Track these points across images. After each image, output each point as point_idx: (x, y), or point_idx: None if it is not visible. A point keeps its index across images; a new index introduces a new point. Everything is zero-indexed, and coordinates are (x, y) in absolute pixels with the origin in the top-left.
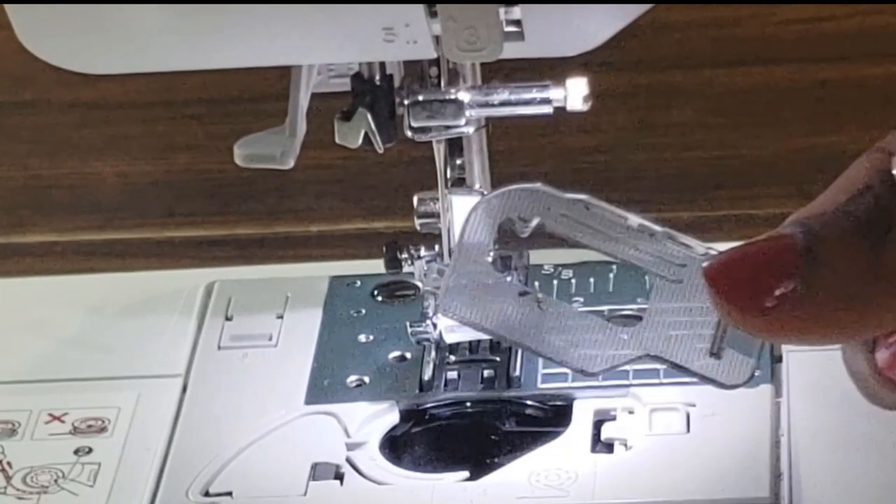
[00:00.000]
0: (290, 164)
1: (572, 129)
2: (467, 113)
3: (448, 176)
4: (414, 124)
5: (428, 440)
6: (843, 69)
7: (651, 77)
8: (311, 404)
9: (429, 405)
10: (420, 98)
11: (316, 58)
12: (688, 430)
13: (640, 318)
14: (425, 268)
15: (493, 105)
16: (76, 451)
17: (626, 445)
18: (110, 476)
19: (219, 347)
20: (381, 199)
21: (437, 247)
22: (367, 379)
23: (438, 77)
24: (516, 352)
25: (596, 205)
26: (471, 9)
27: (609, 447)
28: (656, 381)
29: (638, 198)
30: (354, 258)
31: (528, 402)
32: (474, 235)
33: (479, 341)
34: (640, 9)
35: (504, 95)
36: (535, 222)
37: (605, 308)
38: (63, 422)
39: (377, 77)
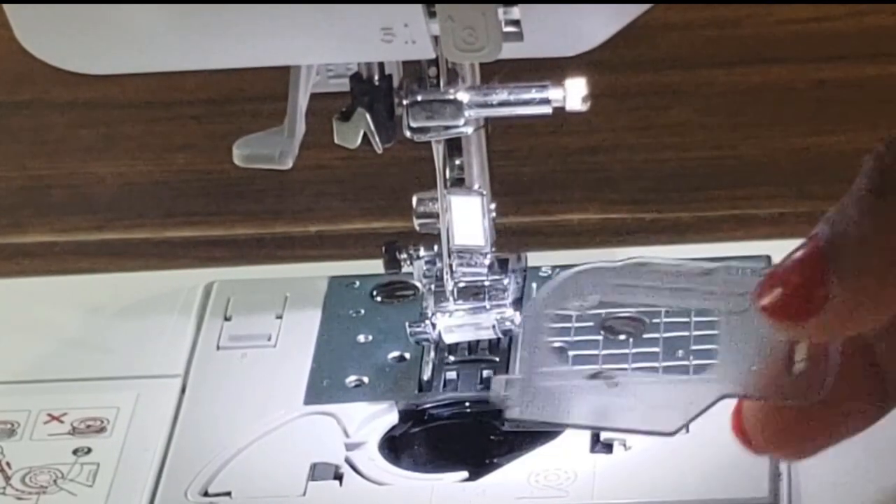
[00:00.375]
0: (289, 164)
1: (571, 130)
2: (466, 113)
3: (447, 176)
4: (413, 124)
5: (427, 440)
6: (842, 69)
7: (650, 77)
8: (310, 404)
9: (428, 405)
10: (419, 98)
11: (315, 58)
12: (687, 430)
13: (638, 321)
14: (424, 268)
15: (492, 105)
16: (75, 452)
17: (625, 445)
18: (109, 476)
19: (218, 348)
20: (381, 200)
21: (436, 247)
22: (366, 379)
23: (437, 77)
24: (516, 352)
25: (648, 261)
26: (470, 9)
27: (608, 447)
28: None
29: (638, 198)
30: (353, 258)
31: None
32: (534, 331)
33: (478, 341)
34: (639, 9)
35: (503, 96)
36: (593, 299)
37: (602, 311)
38: (62, 422)
39: (376, 77)
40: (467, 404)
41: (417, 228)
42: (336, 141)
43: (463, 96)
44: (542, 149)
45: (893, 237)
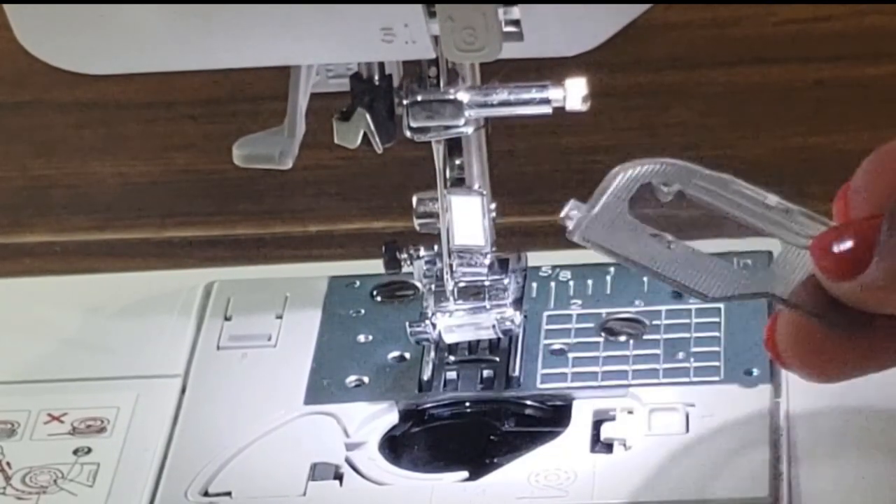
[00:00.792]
0: (289, 164)
1: (571, 130)
2: (466, 113)
3: (447, 176)
4: (413, 124)
5: (427, 440)
6: (842, 69)
7: (650, 77)
8: (311, 404)
9: (428, 405)
10: (419, 98)
11: (315, 58)
12: (687, 430)
13: (638, 322)
14: (424, 268)
15: (492, 105)
16: (75, 452)
17: (625, 445)
18: (109, 476)
19: (218, 347)
20: (380, 200)
21: (436, 247)
22: (366, 379)
23: (437, 77)
24: (516, 351)
25: (738, 183)
26: (470, 9)
27: (608, 447)
28: (655, 381)
29: None
30: (353, 258)
31: (528, 402)
32: (616, 188)
33: (478, 341)
34: (639, 9)
35: (503, 95)
36: (675, 188)
37: (603, 311)
38: (62, 422)
39: (376, 77)
40: (467, 404)
41: (417, 228)
42: (336, 141)
43: (463, 96)
44: (542, 149)
45: None
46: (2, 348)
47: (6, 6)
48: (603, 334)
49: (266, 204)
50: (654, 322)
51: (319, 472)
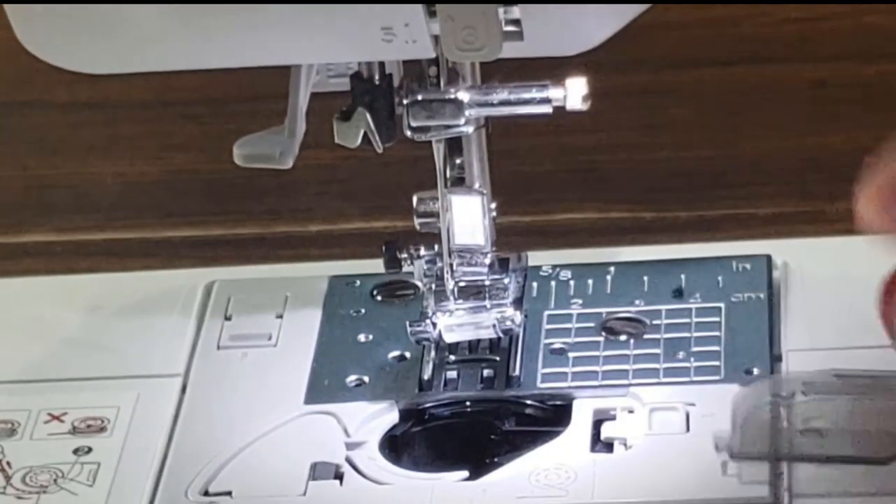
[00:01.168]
0: (290, 163)
1: (572, 129)
2: (467, 112)
3: (447, 175)
4: (413, 124)
5: (427, 440)
6: (841, 68)
7: (650, 77)
8: (311, 404)
9: (428, 405)
10: (419, 98)
11: (315, 58)
12: (687, 429)
13: (638, 321)
14: (425, 267)
15: (492, 105)
16: (75, 451)
17: (625, 445)
18: (110, 476)
19: (218, 347)
20: (381, 199)
21: (436, 246)
22: (366, 378)
23: (438, 77)
24: (516, 351)
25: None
26: (470, 8)
27: (609, 447)
28: (656, 380)
29: (638, 198)
30: (354, 258)
31: (528, 402)
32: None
33: (478, 341)
34: (638, 8)
35: (503, 95)
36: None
37: (603, 310)
38: (62, 421)
39: (376, 77)
40: (467, 404)
41: (418, 228)
42: (336, 140)
43: (463, 96)
44: (542, 148)
45: None
46: (2, 348)
47: (6, 6)
48: (603, 334)
49: (266, 203)
50: (655, 321)
51: (320, 471)
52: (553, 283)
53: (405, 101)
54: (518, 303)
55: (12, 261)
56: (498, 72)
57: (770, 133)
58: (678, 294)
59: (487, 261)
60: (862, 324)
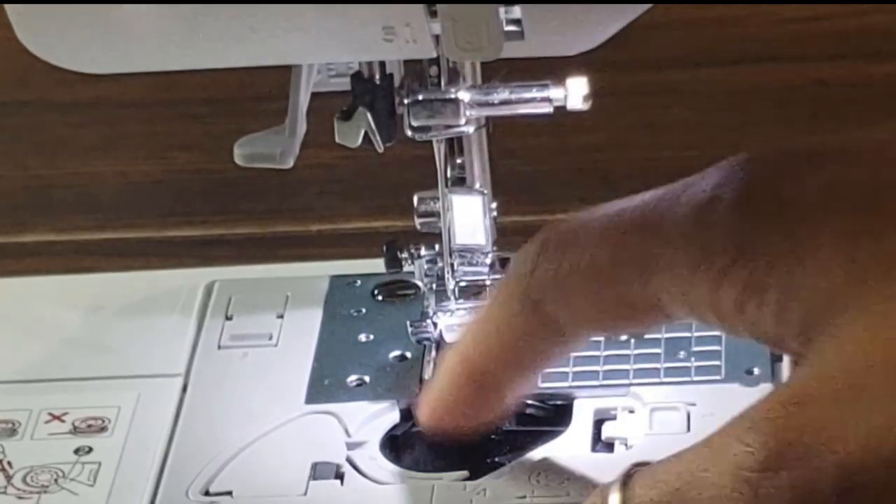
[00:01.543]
0: (290, 163)
1: (573, 129)
2: (467, 112)
3: (448, 175)
4: (414, 123)
5: (428, 439)
6: (842, 68)
7: (651, 76)
8: (312, 404)
9: None
10: (420, 97)
11: (316, 57)
12: (688, 429)
13: None
14: (425, 267)
15: (493, 104)
16: (76, 451)
17: (626, 445)
18: (110, 475)
19: (219, 347)
20: (381, 199)
21: (437, 246)
22: (367, 378)
23: (438, 76)
24: None
25: None
26: (471, 8)
27: (609, 446)
28: (657, 380)
29: None
30: (354, 257)
31: (529, 402)
32: None
33: None
34: (639, 8)
35: (504, 95)
36: None
37: None
38: (63, 421)
39: (377, 76)
40: None
41: (418, 227)
42: (337, 140)
43: (464, 95)
44: (543, 148)
45: None
46: (2, 348)
47: (6, 6)
48: None
49: (267, 203)
50: None
51: (320, 471)
52: None
53: (406, 101)
54: None
55: (12, 261)
56: (498, 71)
57: (770, 133)
58: None
59: (488, 260)
60: None
